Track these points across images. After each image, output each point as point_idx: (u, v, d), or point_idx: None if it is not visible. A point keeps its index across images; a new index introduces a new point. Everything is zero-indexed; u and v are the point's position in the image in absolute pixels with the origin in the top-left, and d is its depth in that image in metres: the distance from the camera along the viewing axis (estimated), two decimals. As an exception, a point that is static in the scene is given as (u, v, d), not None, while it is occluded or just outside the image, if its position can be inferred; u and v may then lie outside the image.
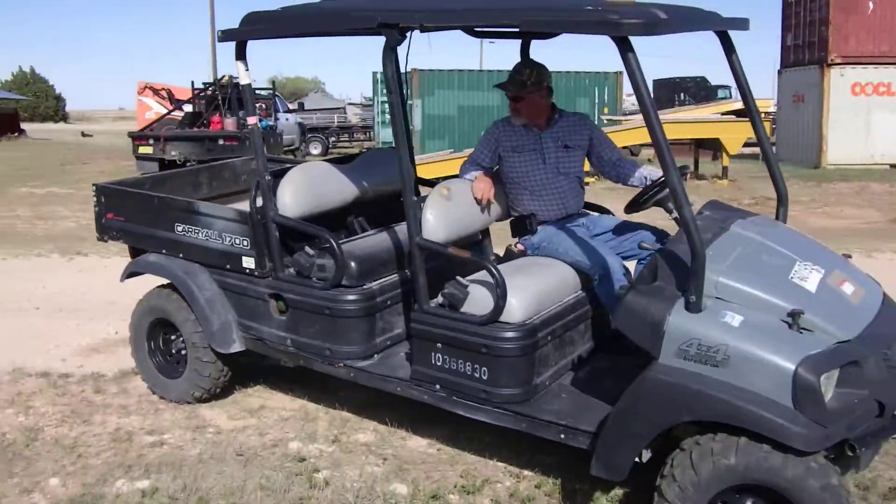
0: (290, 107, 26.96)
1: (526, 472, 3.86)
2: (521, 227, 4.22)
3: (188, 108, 20.00)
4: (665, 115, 18.80)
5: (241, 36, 4.13)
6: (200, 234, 4.52)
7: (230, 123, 17.92)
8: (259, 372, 4.08)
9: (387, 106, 21.99)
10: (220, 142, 17.24)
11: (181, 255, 4.63)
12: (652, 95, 3.16)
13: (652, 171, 4.09)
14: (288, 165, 4.95)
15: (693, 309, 2.98)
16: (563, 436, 3.38)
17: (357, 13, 3.81)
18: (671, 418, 3.01)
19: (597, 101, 21.50)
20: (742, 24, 3.75)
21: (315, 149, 25.73)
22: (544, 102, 4.15)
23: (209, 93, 19.02)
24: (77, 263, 8.83)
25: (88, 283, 7.84)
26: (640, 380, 3.05)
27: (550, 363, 3.73)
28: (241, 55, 4.17)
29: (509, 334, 3.52)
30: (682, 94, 31.98)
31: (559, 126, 4.15)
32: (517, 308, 3.54)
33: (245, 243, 4.32)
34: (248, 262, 4.34)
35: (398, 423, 4.37)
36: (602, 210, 4.51)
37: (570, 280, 3.96)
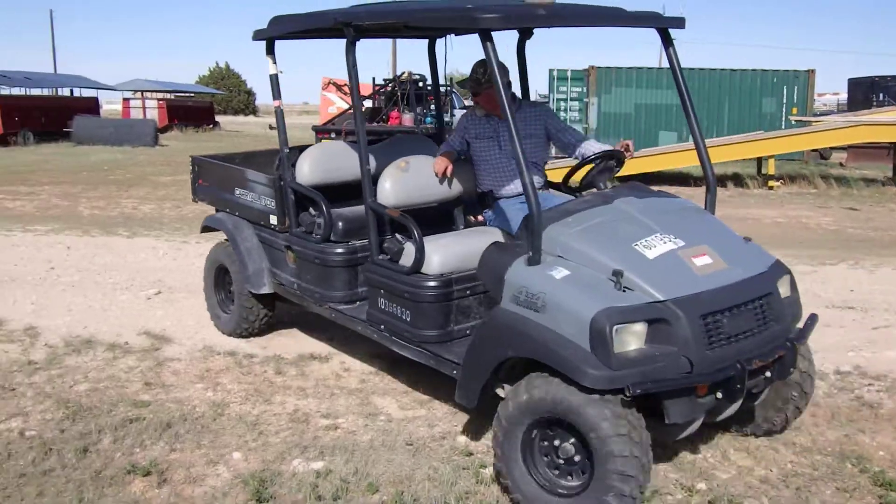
0: (466, 103, 27.29)
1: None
2: (483, 201, 4.88)
3: (368, 103, 20.68)
4: (862, 117, 17.54)
5: (268, 34, 5.15)
6: (248, 196, 5.57)
7: (407, 119, 18.35)
8: (428, 368, 4.14)
9: (562, 103, 21.95)
10: (397, 135, 17.71)
11: (237, 214, 5.72)
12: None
13: (586, 148, 4.59)
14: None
15: (531, 263, 3.50)
16: (454, 371, 3.92)
17: (326, 15, 4.56)
18: (501, 354, 3.54)
19: (785, 101, 20.37)
20: (657, 20, 4.17)
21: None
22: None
23: (388, 89, 19.56)
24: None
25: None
26: (484, 320, 3.76)
27: (472, 315, 4.27)
28: (269, 51, 5.19)
29: (426, 283, 4.16)
30: (881, 94, 29.74)
31: (517, 116, 4.20)
32: (436, 263, 4.19)
33: (272, 204, 5.27)
34: (273, 220, 5.33)
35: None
36: (561, 189, 4.93)
37: None
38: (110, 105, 47.28)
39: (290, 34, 5.15)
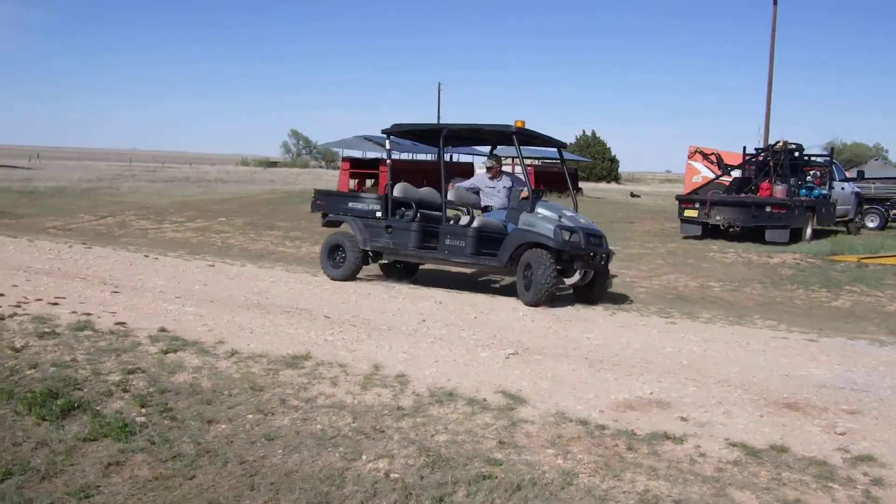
0: (848, 175, 25.02)
1: None
2: (483, 209, 11.34)
3: (737, 173, 19.85)
4: None
5: (392, 133, 11.82)
6: (359, 205, 11.44)
7: (780, 191, 17.33)
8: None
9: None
10: (768, 209, 16.74)
11: (349, 215, 11.43)
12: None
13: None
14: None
15: (530, 211, 10.28)
16: (490, 261, 10.44)
17: (422, 127, 12.32)
18: (519, 241, 10.07)
19: None
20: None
21: (871, 221, 23.28)
22: (497, 170, 11.48)
23: (760, 158, 18.64)
24: (619, 318, 9.25)
25: (628, 338, 8.15)
26: (512, 231, 10.40)
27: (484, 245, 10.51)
28: (388, 137, 11.86)
29: (472, 229, 10.61)
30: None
31: (502, 180, 11.38)
32: (474, 223, 10.83)
33: (379, 206, 11.23)
34: (379, 213, 11.14)
35: None
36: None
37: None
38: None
39: (405, 134, 12.45)
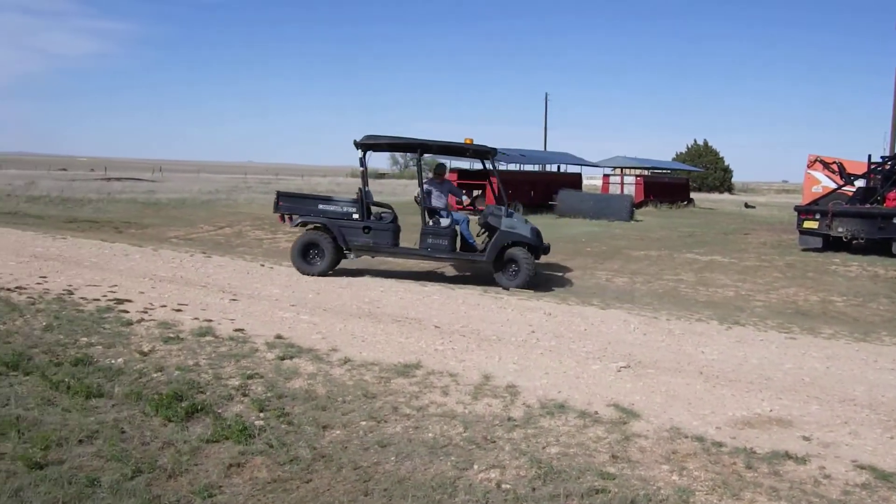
0: None
1: None
2: (433, 211, 12.54)
3: (860, 183, 18.97)
4: None
5: (364, 148, 12.27)
6: (333, 207, 12.36)
7: (907, 200, 16.44)
8: None
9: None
10: (895, 220, 15.90)
11: (322, 216, 12.28)
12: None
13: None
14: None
15: (507, 216, 12.02)
16: (481, 256, 12.11)
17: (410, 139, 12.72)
18: (505, 241, 11.84)
19: None
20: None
21: None
22: (443, 177, 13.19)
23: (887, 167, 17.76)
24: (735, 333, 8.96)
25: (745, 353, 7.89)
26: (499, 232, 11.91)
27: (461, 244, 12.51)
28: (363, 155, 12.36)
29: (449, 229, 12.32)
30: None
31: (445, 185, 13.01)
32: (450, 223, 12.42)
33: (356, 209, 12.22)
34: (356, 216, 12.15)
35: None
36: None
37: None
38: (591, 180, 50.30)
39: (380, 147, 12.76)
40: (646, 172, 42.13)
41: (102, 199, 29.33)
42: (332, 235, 12.09)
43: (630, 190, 35.43)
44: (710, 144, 76.16)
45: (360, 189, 12.35)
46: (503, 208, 12.03)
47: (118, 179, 48.84)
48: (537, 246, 12.05)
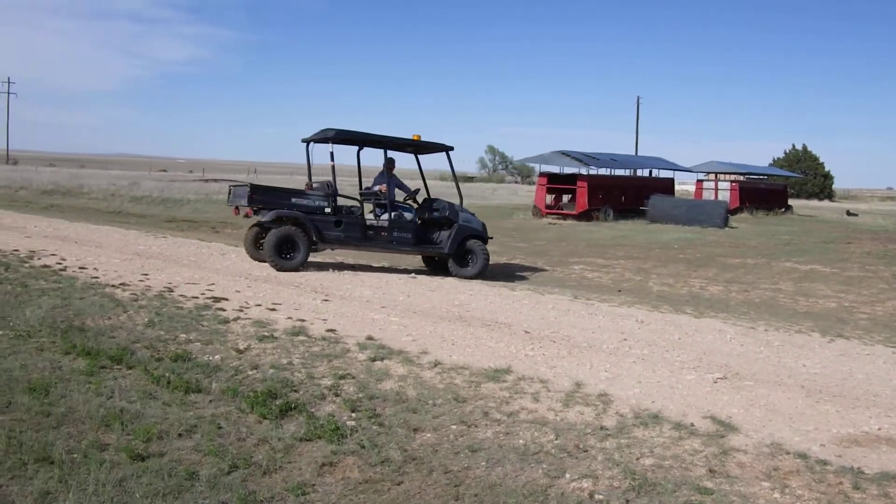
0: None
1: None
2: (390, 205, 13.26)
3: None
4: None
5: (323, 141, 12.93)
6: (306, 201, 12.55)
7: None
8: None
9: None
10: None
11: (296, 210, 12.36)
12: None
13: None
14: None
15: (461, 211, 13.50)
16: (443, 248, 13.10)
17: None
18: (465, 234, 13.17)
19: None
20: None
21: None
22: (392, 171, 13.52)
23: None
24: (838, 346, 8.59)
25: (849, 368, 7.55)
26: (456, 226, 13.08)
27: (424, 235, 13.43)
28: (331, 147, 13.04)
29: (413, 222, 13.32)
30: None
31: (393, 180, 13.51)
32: (411, 217, 13.41)
33: (328, 203, 12.54)
34: (328, 210, 12.47)
35: None
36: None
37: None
38: (683, 186, 49.15)
39: (347, 141, 13.35)
40: (741, 178, 40.97)
41: (200, 199, 30.30)
42: (304, 229, 12.25)
43: (725, 196, 34.58)
44: (809, 149, 73.68)
45: (328, 183, 12.77)
46: (455, 204, 13.32)
47: (215, 181, 50.36)
48: (487, 238, 13.56)
